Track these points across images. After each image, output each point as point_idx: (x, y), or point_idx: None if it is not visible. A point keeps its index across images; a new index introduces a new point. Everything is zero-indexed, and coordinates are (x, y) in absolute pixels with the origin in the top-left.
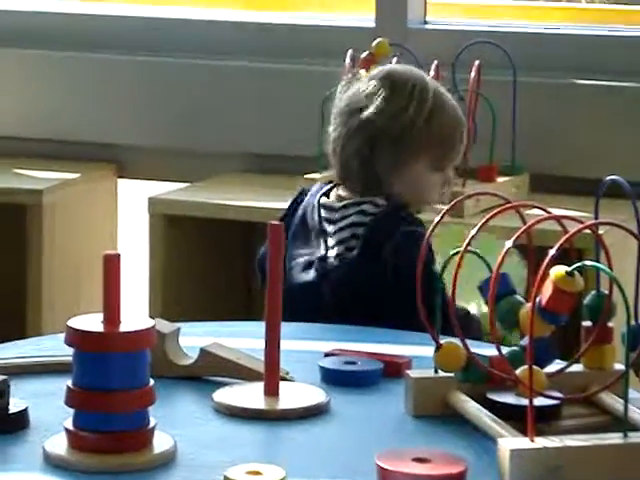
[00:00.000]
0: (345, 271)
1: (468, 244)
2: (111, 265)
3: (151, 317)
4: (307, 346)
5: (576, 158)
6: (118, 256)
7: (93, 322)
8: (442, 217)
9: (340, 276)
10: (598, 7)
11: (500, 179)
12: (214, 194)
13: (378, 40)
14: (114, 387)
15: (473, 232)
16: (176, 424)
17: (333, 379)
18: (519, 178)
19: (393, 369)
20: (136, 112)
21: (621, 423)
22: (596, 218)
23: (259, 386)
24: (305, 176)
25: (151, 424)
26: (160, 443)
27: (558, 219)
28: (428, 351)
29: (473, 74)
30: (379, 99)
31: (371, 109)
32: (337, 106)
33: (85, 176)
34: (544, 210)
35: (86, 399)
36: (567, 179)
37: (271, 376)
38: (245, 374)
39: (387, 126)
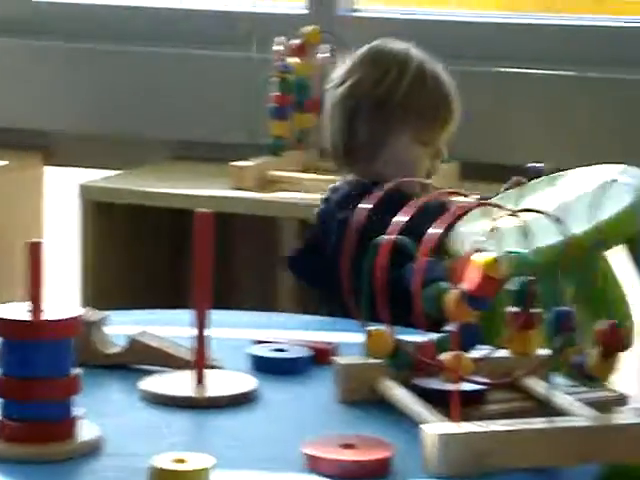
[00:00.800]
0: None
1: (395, 232)
2: (35, 253)
3: (82, 306)
4: (237, 334)
5: (505, 145)
6: (41, 244)
7: (17, 310)
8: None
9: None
10: None
11: None
12: (145, 181)
13: (308, 27)
14: (38, 375)
15: (401, 220)
16: (102, 413)
17: (262, 366)
18: (448, 166)
19: (322, 356)
20: (65, 99)
21: (545, 408)
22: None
23: (187, 374)
24: (232, 164)
25: (77, 413)
26: (86, 432)
27: (483, 206)
28: (357, 338)
29: None
30: (359, 71)
31: (350, 81)
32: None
33: (13, 163)
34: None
35: (10, 387)
36: (496, 166)
37: (199, 364)
38: (173, 362)
39: (365, 96)
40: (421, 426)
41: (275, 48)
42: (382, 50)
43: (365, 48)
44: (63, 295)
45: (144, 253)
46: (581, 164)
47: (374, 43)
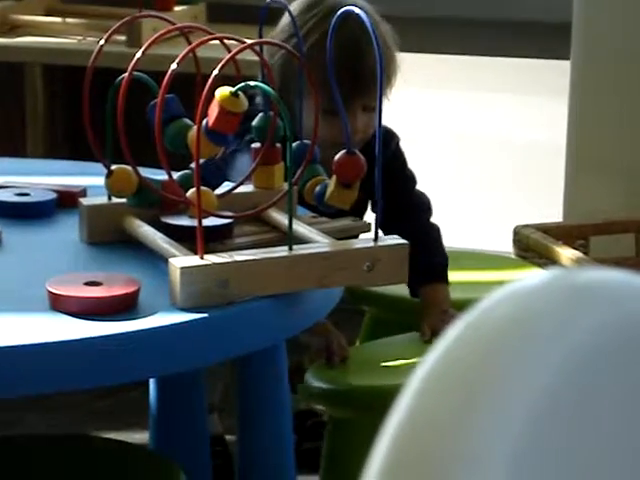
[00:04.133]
0: None
1: (133, 68)
2: None
3: None
4: None
5: None
6: None
7: None
8: (108, 37)
9: None
10: None
11: (177, 8)
12: None
13: None
14: None
15: (138, 55)
16: None
17: (5, 211)
18: (196, 7)
19: (67, 199)
20: None
21: (288, 238)
22: (261, 38)
23: None
24: None
25: None
26: None
27: (221, 39)
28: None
29: None
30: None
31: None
32: None
33: None
34: (209, 33)
35: None
36: (243, 7)
37: None
38: None
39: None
40: (168, 261)
41: None
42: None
43: None
44: None
45: None
46: None
47: None
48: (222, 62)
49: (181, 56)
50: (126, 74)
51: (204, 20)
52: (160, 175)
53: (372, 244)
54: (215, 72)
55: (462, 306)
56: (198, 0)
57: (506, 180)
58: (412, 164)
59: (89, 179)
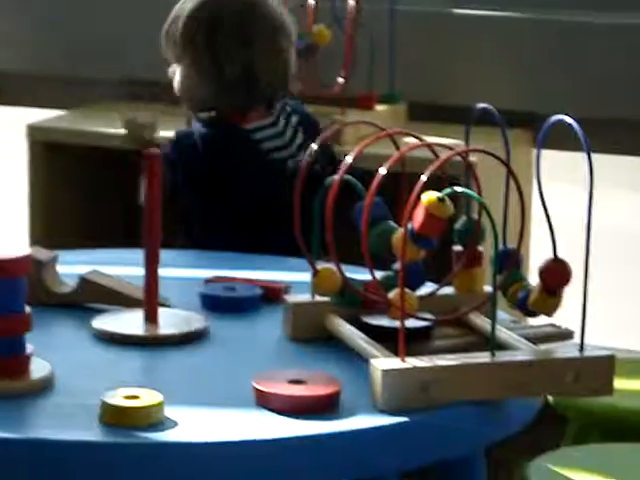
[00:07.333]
0: None
1: (344, 172)
2: None
3: (30, 245)
4: (188, 273)
5: (452, 87)
6: None
7: None
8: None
9: None
10: None
11: (379, 107)
12: (92, 121)
13: None
14: None
15: (349, 160)
16: (54, 351)
17: (213, 305)
18: (397, 106)
19: (272, 294)
20: (14, 38)
21: (489, 342)
22: (467, 145)
23: (138, 313)
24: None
25: (28, 351)
26: (37, 369)
27: (430, 146)
28: (306, 277)
29: (352, 2)
30: None
31: None
32: None
33: None
34: (417, 138)
35: None
36: (444, 108)
37: (150, 302)
38: (124, 301)
39: None
40: (368, 362)
41: None
42: None
43: None
44: (12, 235)
45: (93, 194)
46: (527, 105)
47: None
48: (430, 169)
49: (391, 162)
50: (337, 176)
51: (404, 119)
52: (363, 275)
53: (577, 354)
54: (424, 178)
55: None
56: (399, 99)
57: None
58: None
59: (293, 275)
